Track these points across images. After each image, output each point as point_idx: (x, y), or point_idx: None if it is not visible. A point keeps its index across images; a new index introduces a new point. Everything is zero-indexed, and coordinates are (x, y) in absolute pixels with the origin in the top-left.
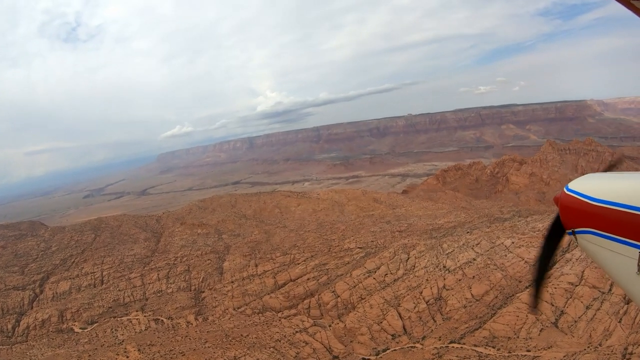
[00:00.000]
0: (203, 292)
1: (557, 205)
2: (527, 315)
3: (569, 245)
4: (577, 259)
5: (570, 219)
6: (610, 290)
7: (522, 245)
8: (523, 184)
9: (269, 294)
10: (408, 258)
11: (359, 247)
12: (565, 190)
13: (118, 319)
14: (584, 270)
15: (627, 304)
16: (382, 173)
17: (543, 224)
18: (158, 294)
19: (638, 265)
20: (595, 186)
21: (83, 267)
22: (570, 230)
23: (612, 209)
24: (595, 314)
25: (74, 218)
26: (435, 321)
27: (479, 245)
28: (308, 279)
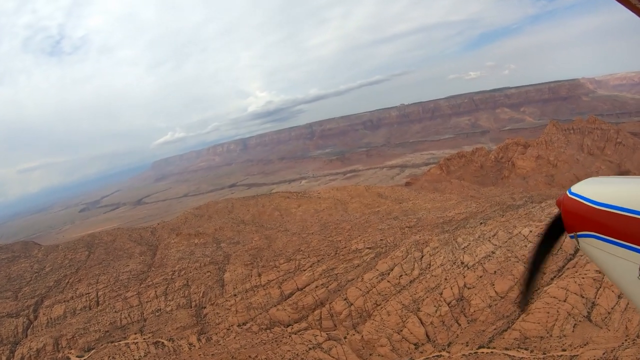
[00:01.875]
0: (204, 307)
1: (560, 208)
2: (558, 311)
3: None
4: None
5: (573, 223)
6: (639, 275)
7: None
8: (530, 167)
9: (275, 306)
10: (422, 256)
11: (367, 248)
12: (567, 193)
13: (116, 344)
14: None
15: None
16: (380, 165)
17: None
18: (157, 313)
19: None
20: (598, 190)
21: (77, 288)
22: (573, 234)
23: (615, 213)
24: (628, 304)
25: (70, 233)
26: (459, 325)
27: (496, 237)
28: (316, 287)
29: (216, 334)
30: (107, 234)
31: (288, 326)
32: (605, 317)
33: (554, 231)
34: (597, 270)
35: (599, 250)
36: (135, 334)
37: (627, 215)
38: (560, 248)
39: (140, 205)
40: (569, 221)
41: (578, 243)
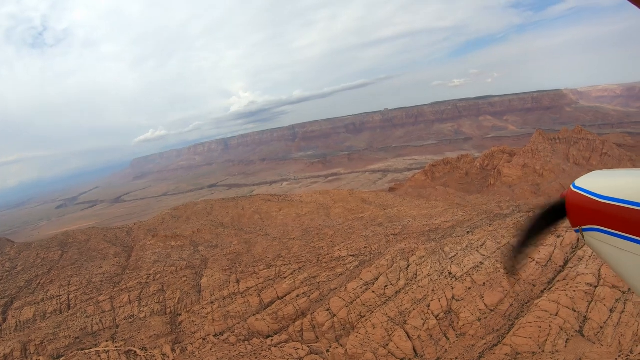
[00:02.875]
0: (180, 315)
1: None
2: (550, 326)
3: (578, 241)
4: (589, 256)
5: (578, 217)
6: (630, 289)
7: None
8: (516, 176)
9: (254, 315)
10: (408, 265)
11: (351, 255)
12: (572, 187)
13: (86, 351)
14: (600, 269)
15: None
16: (362, 169)
17: None
18: (130, 320)
19: None
20: (603, 183)
21: (49, 290)
22: (578, 228)
23: (620, 206)
24: (620, 318)
25: (45, 230)
26: (448, 339)
27: (484, 247)
28: (297, 296)
29: (191, 344)
30: (81, 233)
31: (268, 337)
32: (598, 332)
33: (554, 215)
34: (588, 283)
35: (605, 244)
36: (107, 341)
37: (633, 209)
38: (550, 260)
39: (118, 203)
40: (573, 215)
41: (583, 237)
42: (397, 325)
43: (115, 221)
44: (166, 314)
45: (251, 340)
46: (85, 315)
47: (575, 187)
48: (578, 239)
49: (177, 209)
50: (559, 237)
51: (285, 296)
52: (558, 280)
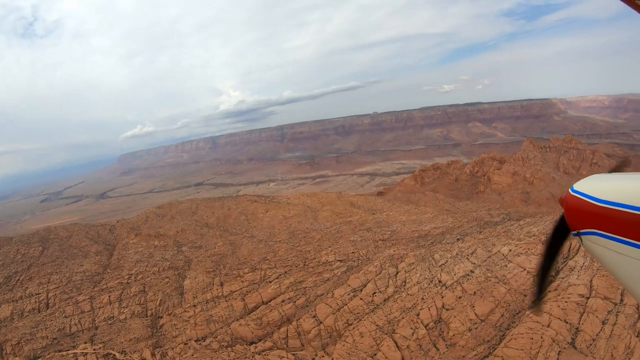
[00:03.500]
0: (161, 317)
1: (562, 206)
2: (541, 337)
3: (569, 251)
4: (581, 267)
5: (576, 220)
6: (622, 301)
7: (521, 253)
8: (506, 183)
9: (237, 320)
10: (397, 272)
11: (338, 260)
12: (570, 191)
13: (64, 353)
14: (592, 279)
15: None
16: (350, 172)
17: (537, 228)
18: (109, 321)
19: None
20: (601, 187)
21: (27, 287)
22: (575, 232)
23: (618, 210)
24: (612, 330)
25: (29, 224)
26: (438, 349)
27: (474, 255)
28: (283, 301)
29: (172, 348)
30: (63, 229)
31: (251, 344)
32: (590, 344)
33: (561, 232)
34: (580, 294)
35: (603, 248)
36: (85, 343)
37: (631, 212)
38: None
39: (103, 199)
40: (571, 219)
41: (581, 241)
42: (386, 334)
43: (100, 217)
44: (147, 316)
45: (234, 346)
46: (63, 315)
47: (573, 190)
48: (569, 249)
49: (162, 208)
50: None
51: (270, 301)
52: (549, 291)
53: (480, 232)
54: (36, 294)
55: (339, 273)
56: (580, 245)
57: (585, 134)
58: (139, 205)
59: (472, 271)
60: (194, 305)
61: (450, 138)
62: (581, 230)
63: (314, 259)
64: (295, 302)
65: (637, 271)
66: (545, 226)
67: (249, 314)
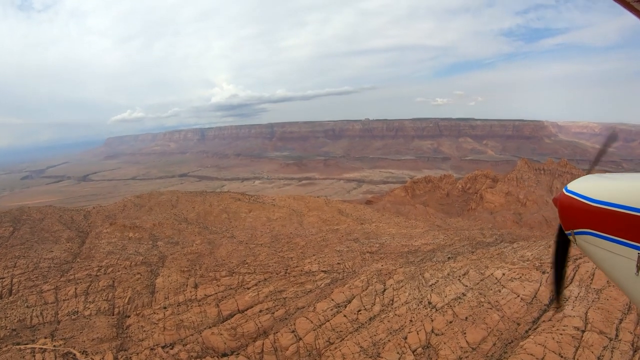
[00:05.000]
0: (128, 316)
1: (556, 206)
2: None
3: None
4: (576, 297)
5: (569, 220)
6: (617, 336)
7: (515, 278)
8: (499, 203)
9: (210, 327)
10: (385, 289)
11: (322, 271)
12: (564, 191)
13: (22, 347)
14: (587, 312)
15: (635, 352)
16: (337, 177)
17: (532, 253)
18: (73, 317)
19: (637, 266)
20: (594, 187)
21: None
22: (569, 232)
23: (611, 210)
24: None
25: (6, 201)
26: None
27: (466, 277)
28: (260, 311)
29: (137, 354)
30: (37, 211)
31: (223, 356)
32: None
33: (564, 237)
34: (575, 327)
35: (596, 248)
36: (46, 337)
37: (623, 212)
38: (535, 297)
39: (85, 181)
40: (565, 219)
41: (575, 240)
42: (370, 357)
43: (78, 200)
44: (113, 315)
45: (204, 358)
46: (26, 305)
47: (567, 190)
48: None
49: (141, 197)
50: (544, 273)
51: (246, 310)
52: (543, 321)
53: (473, 252)
54: (1, 278)
55: (323, 285)
56: (574, 274)
57: (575, 159)
58: (119, 192)
59: (464, 294)
60: (165, 308)
61: (440, 151)
62: (575, 230)
63: (297, 267)
64: (273, 313)
65: (631, 271)
66: (539, 251)
67: (223, 322)
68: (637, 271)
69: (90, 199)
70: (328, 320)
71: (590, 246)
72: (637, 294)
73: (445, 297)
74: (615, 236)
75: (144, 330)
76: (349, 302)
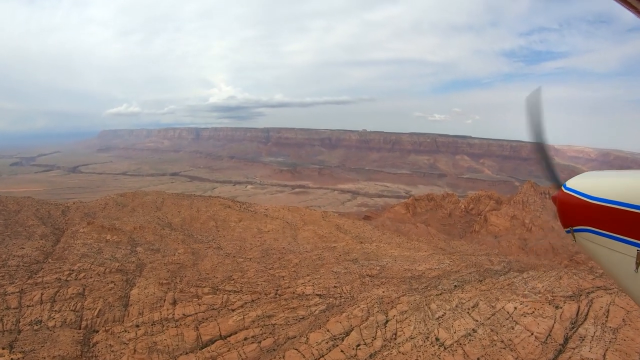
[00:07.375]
0: (96, 332)
1: (555, 203)
2: None
3: (577, 315)
4: (592, 336)
5: (568, 218)
6: (636, 269)
7: (527, 314)
8: (504, 226)
9: (187, 354)
10: (387, 321)
11: (317, 294)
12: (563, 188)
13: None
14: (605, 353)
15: None
16: (331, 187)
17: (542, 284)
18: (35, 327)
19: (636, 262)
20: (594, 184)
21: None
22: (569, 229)
23: (610, 207)
24: None
25: None
26: None
27: (476, 310)
28: (245, 339)
29: None
30: (14, 202)
31: None
32: None
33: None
34: None
35: (596, 245)
36: (3, 348)
37: (623, 209)
38: (550, 335)
39: (74, 173)
40: (564, 216)
41: (574, 237)
42: None
43: (65, 192)
44: (80, 328)
45: None
46: None
47: (566, 188)
48: (577, 312)
49: (124, 196)
50: (557, 308)
51: (229, 336)
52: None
53: (481, 281)
54: None
55: (317, 311)
56: (588, 310)
57: None
58: (108, 186)
59: (474, 330)
60: (137, 326)
61: (437, 167)
62: (574, 227)
63: (289, 288)
64: (260, 342)
65: (630, 268)
66: (550, 283)
67: (202, 348)
68: (637, 268)
69: (77, 192)
70: (322, 356)
71: (590, 243)
72: (637, 291)
73: (455, 333)
74: (614, 233)
75: (112, 351)
76: (347, 334)
